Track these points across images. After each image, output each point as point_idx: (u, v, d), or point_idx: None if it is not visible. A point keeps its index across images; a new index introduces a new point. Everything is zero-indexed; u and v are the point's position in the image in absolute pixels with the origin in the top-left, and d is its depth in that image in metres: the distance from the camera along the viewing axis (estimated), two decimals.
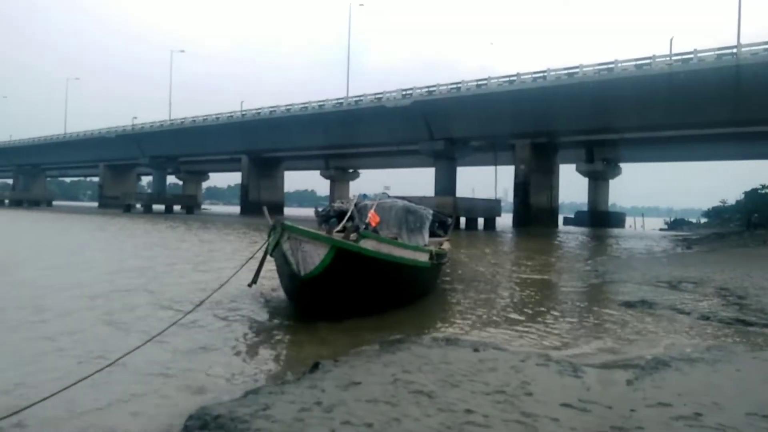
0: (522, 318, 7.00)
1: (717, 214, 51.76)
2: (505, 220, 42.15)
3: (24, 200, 76.72)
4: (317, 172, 68.30)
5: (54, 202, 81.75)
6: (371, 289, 6.46)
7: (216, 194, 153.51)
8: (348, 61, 54.00)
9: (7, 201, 79.43)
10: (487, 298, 8.49)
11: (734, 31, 32.92)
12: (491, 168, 46.54)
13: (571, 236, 31.35)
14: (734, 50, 30.15)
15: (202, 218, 45.79)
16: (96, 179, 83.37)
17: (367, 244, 6.30)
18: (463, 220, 35.58)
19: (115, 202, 64.26)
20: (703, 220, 55.02)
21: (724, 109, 30.41)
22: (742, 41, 31.03)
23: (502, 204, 44.24)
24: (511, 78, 37.25)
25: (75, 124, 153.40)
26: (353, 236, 6.28)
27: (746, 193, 40.16)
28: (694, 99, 30.65)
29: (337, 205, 11.19)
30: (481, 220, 38.87)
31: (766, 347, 5.52)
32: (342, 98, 46.79)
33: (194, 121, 57.75)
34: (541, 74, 35.97)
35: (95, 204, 79.09)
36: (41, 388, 3.72)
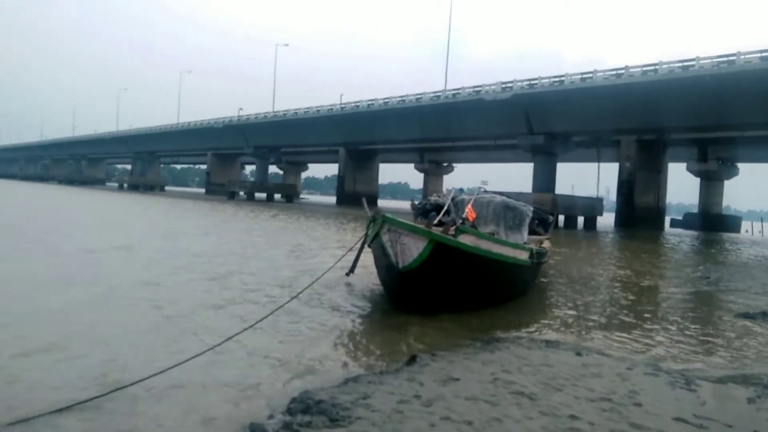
0: (627, 323, 6.66)
1: None
2: (606, 220, 40.35)
3: (140, 185, 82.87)
4: (411, 165, 68.58)
5: (166, 188, 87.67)
6: (468, 285, 6.39)
7: (313, 184, 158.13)
8: (447, 54, 53.71)
9: (125, 185, 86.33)
10: (588, 301, 8.16)
11: None
12: (592, 165, 44.62)
13: (679, 239, 29.49)
14: None
15: (302, 207, 47.35)
16: (204, 167, 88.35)
17: (466, 240, 6.24)
18: (561, 218, 34.43)
19: (221, 188, 67.82)
20: None
21: None
22: None
23: (604, 203, 42.32)
24: (619, 71, 35.38)
25: (187, 116, 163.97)
26: (452, 231, 6.23)
27: None
28: None
29: (433, 198, 11.16)
30: (581, 219, 37.45)
31: None
32: (440, 91, 46.55)
33: (296, 113, 59.67)
34: (651, 67, 33.90)
35: (202, 190, 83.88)
36: (139, 370, 3.99)
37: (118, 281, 7.31)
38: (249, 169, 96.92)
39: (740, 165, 47.07)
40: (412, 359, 4.27)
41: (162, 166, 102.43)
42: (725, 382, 4.41)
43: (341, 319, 5.89)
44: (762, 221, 50.67)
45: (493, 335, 5.42)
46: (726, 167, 45.98)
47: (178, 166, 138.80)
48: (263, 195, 63.41)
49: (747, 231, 47.59)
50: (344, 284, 7.71)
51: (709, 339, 6.02)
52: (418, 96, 47.38)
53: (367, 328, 5.79)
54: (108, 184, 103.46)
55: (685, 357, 5.20)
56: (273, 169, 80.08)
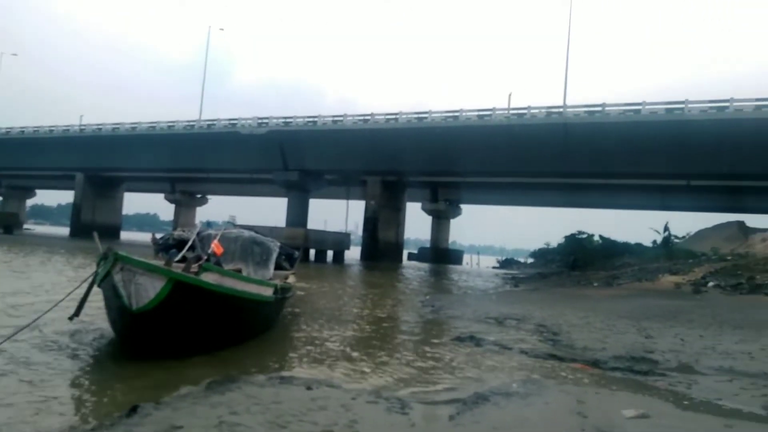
0: (361, 354, 7.13)
1: (542, 254, 57.07)
2: (353, 254, 42.89)
3: None
4: (161, 195, 64.60)
5: None
6: (211, 325, 6.19)
7: (43, 213, 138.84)
8: (203, 82, 52.40)
9: None
10: (328, 334, 8.53)
11: (562, 93, 37.07)
12: (343, 201, 47.40)
13: (414, 271, 32.66)
14: (561, 109, 33.90)
15: (25, 240, 41.00)
16: None
17: (209, 278, 6.06)
18: (312, 252, 35.66)
19: None
20: (530, 260, 59.97)
21: (554, 161, 33.96)
22: (568, 102, 35.12)
23: (352, 237, 45.05)
24: (366, 117, 38.63)
25: None
26: (194, 268, 6.03)
27: (566, 237, 44.76)
28: (529, 150, 33.87)
29: (177, 233, 10.65)
30: (330, 253, 39.20)
31: (571, 381, 6.13)
32: (194, 121, 45.17)
33: (22, 131, 52.16)
34: (393, 116, 37.73)
35: None
36: None
37: None
38: None
39: (463, 206, 54.55)
40: (133, 410, 3.98)
41: None
42: (435, 402, 4.98)
43: (55, 370, 5.23)
44: (479, 254, 59.27)
45: (228, 375, 5.33)
46: (452, 207, 52.80)
47: None
48: None
49: (467, 263, 55.02)
50: (66, 329, 6.87)
51: (428, 363, 6.75)
52: (171, 123, 45.34)
53: (87, 378, 5.22)
54: None
55: (406, 382, 5.74)
56: None
